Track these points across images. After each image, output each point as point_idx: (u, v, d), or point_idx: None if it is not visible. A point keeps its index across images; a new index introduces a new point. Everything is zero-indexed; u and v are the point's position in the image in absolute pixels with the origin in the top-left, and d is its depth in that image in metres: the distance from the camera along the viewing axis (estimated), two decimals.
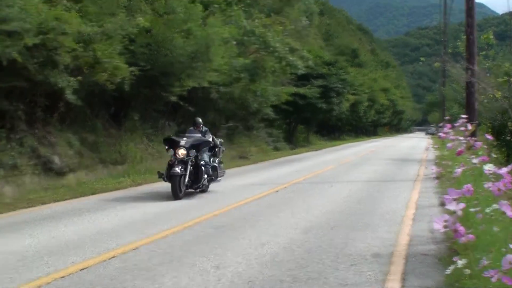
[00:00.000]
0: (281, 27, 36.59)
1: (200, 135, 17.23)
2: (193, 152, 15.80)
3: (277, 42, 34.20)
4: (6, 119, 16.32)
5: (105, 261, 8.40)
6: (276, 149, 40.94)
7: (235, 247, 9.39)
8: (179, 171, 15.17)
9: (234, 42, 29.00)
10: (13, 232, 10.82)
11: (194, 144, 16.07)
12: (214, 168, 17.45)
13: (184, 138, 16.06)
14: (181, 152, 15.45)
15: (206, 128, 18.21)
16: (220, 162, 18.27)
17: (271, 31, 34.33)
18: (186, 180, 15.56)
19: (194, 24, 23.62)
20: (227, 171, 19.36)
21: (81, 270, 7.84)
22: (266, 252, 9.04)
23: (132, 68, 19.45)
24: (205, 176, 16.45)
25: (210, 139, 17.47)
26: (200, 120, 18.04)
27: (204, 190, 16.77)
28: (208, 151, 17.56)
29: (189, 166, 15.64)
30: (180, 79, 23.54)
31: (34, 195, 15.38)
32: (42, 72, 16.06)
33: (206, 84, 25.58)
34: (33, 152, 16.92)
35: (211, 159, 17.64)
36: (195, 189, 16.21)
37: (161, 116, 26.38)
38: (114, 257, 8.65)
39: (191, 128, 17.87)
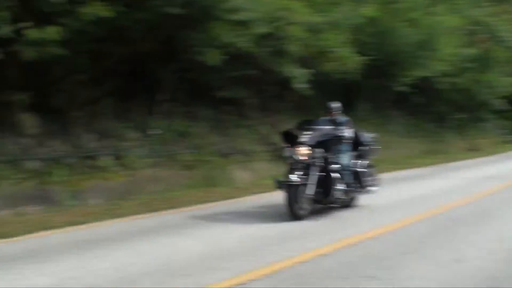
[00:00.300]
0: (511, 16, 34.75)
1: (333, 126, 12.36)
2: (319, 152, 11.31)
3: (507, 31, 32.50)
4: (239, 107, 16.64)
5: (343, 247, 8.07)
6: (509, 141, 38.83)
7: (473, 241, 8.60)
8: (297, 178, 10.76)
9: (462, 32, 27.86)
10: (252, 216, 10.90)
11: (322, 141, 11.62)
12: (357, 175, 12.63)
13: (309, 132, 11.56)
14: (302, 151, 11.02)
15: (346, 118, 13.03)
16: (369, 166, 13.26)
17: (500, 20, 32.68)
18: (311, 191, 11.02)
19: (419, 13, 22.94)
20: (457, 164, 18.40)
21: (320, 256, 7.55)
22: (507, 247, 8.25)
23: (360, 58, 19.12)
24: (341, 186, 11.73)
25: (348, 133, 12.42)
26: (336, 105, 13.02)
27: (347, 205, 12.27)
28: (352, 150, 12.68)
29: (314, 172, 11.14)
30: (406, 68, 22.92)
31: (267, 181, 15.43)
32: (271, 61, 16.14)
33: (432, 74, 24.75)
34: (264, 139, 17.10)
35: (355, 161, 12.78)
36: (325, 204, 11.64)
37: (389, 106, 25.87)
38: (352, 244, 8.31)
39: (323, 118, 12.91)
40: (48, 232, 9.35)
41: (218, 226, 9.95)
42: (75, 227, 9.74)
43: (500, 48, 32.42)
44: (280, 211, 10.95)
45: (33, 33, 11.07)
